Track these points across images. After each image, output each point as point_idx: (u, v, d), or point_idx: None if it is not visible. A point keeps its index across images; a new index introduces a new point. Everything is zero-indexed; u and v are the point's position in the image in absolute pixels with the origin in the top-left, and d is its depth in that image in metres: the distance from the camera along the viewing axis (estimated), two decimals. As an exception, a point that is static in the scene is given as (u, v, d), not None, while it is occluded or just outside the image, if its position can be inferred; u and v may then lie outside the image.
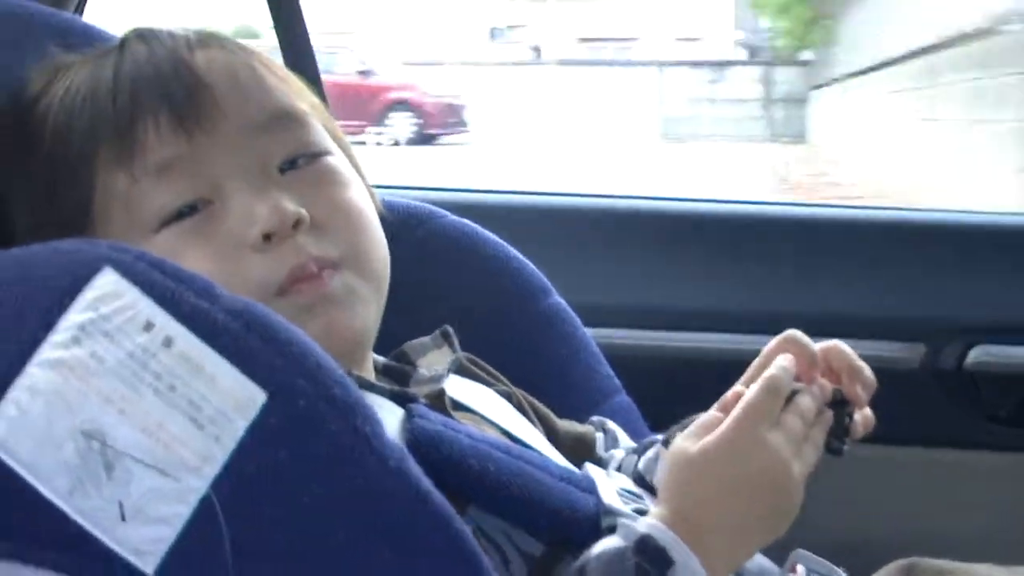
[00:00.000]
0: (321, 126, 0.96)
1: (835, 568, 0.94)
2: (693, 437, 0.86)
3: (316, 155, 0.93)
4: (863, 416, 0.93)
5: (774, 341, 0.95)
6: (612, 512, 0.88)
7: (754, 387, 0.86)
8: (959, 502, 1.50)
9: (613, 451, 1.10)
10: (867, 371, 0.95)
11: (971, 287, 1.53)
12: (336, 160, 0.95)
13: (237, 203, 0.87)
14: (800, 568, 0.92)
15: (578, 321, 1.24)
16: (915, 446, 1.51)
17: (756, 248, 1.59)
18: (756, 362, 0.95)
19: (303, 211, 0.88)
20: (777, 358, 0.90)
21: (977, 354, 1.49)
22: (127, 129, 0.87)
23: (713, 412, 0.89)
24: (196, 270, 0.82)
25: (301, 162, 0.92)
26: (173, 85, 0.88)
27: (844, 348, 0.95)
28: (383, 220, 0.98)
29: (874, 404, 0.94)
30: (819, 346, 0.94)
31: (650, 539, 0.81)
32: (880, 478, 1.44)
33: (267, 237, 0.86)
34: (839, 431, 0.91)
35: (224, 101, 0.89)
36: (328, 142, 0.95)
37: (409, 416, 0.87)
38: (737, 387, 0.92)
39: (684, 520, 0.83)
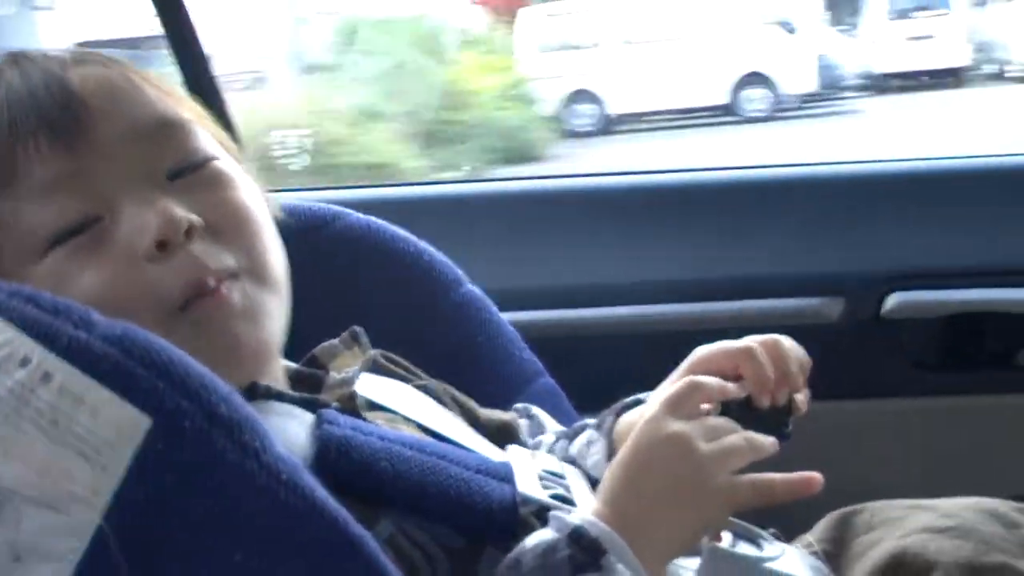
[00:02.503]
0: (207, 133, 0.95)
1: (761, 531, 0.94)
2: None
3: (203, 161, 0.91)
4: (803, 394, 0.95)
5: (724, 349, 0.95)
6: (529, 501, 0.88)
7: (682, 380, 0.88)
8: (890, 450, 1.52)
9: (540, 437, 1.10)
10: (803, 355, 0.96)
11: (883, 236, 1.54)
12: (224, 164, 0.93)
13: (127, 214, 0.86)
14: (725, 535, 0.92)
15: (494, 307, 1.24)
16: (843, 399, 1.52)
17: (671, 217, 1.60)
18: (696, 363, 0.96)
19: (194, 216, 0.86)
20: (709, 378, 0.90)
21: (894, 301, 1.50)
22: (6, 155, 0.86)
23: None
24: (89, 290, 0.82)
25: (189, 169, 0.90)
26: (47, 104, 0.87)
27: (782, 343, 0.95)
28: (287, 225, 0.97)
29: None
30: (757, 340, 0.95)
31: (582, 530, 0.82)
32: (810, 433, 1.45)
33: (161, 246, 0.85)
34: (784, 418, 0.93)
35: (102, 114, 0.88)
36: (214, 148, 0.94)
37: (318, 423, 0.86)
38: None
39: (615, 512, 0.83)
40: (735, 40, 8.67)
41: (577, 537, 0.81)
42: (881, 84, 9.52)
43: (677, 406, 0.86)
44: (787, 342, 0.96)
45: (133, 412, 0.69)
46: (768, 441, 0.87)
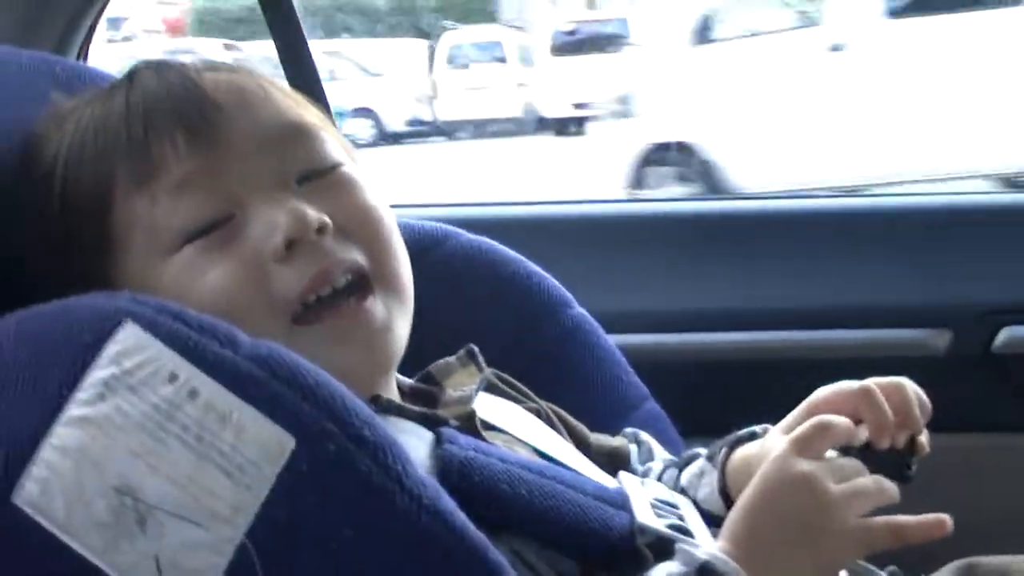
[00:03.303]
0: (332, 138, 0.96)
1: (877, 571, 0.93)
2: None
3: (332, 166, 0.93)
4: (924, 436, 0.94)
5: (847, 389, 0.94)
6: (646, 530, 0.88)
7: (810, 421, 0.87)
8: (1003, 486, 1.49)
9: (650, 464, 1.09)
10: (924, 400, 0.95)
11: (993, 269, 1.52)
12: (351, 169, 0.94)
13: (258, 213, 0.87)
14: (842, 573, 0.91)
15: (601, 330, 1.24)
16: (951, 432, 1.49)
17: (781, 242, 1.58)
18: (820, 402, 0.95)
19: (325, 217, 0.87)
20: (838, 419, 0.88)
21: (1004, 336, 1.47)
22: (143, 151, 0.88)
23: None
24: (216, 286, 0.84)
25: (317, 174, 0.91)
26: (185, 106, 0.89)
27: (905, 387, 0.94)
28: None
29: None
30: (878, 383, 0.93)
31: (711, 568, 0.81)
32: (922, 469, 1.43)
33: (290, 246, 0.86)
34: (907, 459, 0.92)
35: (236, 118, 0.90)
36: (341, 154, 0.95)
37: (439, 442, 0.86)
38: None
39: (741, 550, 0.83)
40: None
41: (705, 573, 0.81)
42: (440, 130, 10.77)
43: (805, 445, 0.86)
44: (909, 385, 0.94)
45: (278, 432, 0.70)
46: (893, 485, 0.86)
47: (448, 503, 0.72)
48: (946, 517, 0.85)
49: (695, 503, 0.99)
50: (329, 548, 0.69)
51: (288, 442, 0.69)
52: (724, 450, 1.01)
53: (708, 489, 1.01)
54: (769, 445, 0.95)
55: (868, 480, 0.86)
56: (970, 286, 1.51)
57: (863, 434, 0.90)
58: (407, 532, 0.70)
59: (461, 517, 0.72)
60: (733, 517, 0.86)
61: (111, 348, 0.71)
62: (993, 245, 1.54)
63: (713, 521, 0.94)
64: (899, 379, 0.95)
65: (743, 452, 1.00)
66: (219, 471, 0.69)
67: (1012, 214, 1.59)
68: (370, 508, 0.70)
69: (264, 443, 0.69)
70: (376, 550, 0.69)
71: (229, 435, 0.69)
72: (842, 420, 0.88)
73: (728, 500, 0.97)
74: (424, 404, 0.95)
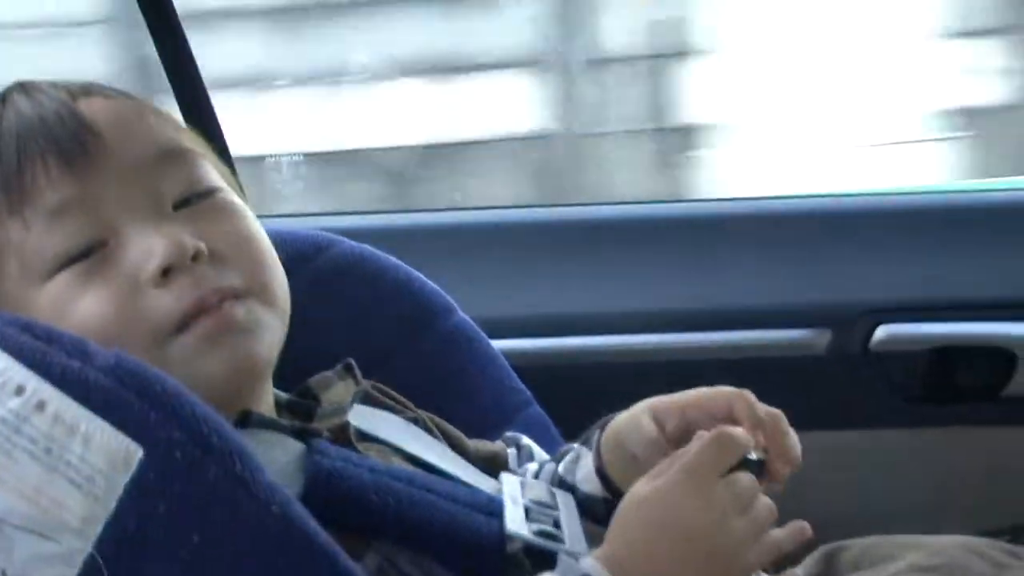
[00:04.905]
0: (210, 164, 0.96)
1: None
2: (648, 479, 0.85)
3: (208, 191, 0.93)
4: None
5: (725, 390, 0.94)
6: (515, 537, 0.88)
7: (705, 439, 0.85)
8: (879, 482, 1.52)
9: (528, 464, 1.11)
10: (796, 448, 0.93)
11: (870, 268, 1.55)
12: (228, 195, 0.95)
13: (133, 239, 0.87)
14: None
15: (484, 336, 1.24)
16: (829, 430, 1.52)
17: (660, 246, 1.60)
18: (694, 398, 0.95)
19: (201, 243, 0.87)
20: (737, 430, 0.87)
21: (882, 334, 1.51)
22: (16, 176, 0.87)
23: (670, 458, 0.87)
24: (90, 313, 0.83)
25: (194, 199, 0.91)
26: (58, 130, 0.88)
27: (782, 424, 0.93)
28: (281, 252, 0.98)
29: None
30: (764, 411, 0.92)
31: None
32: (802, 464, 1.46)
33: (166, 272, 0.85)
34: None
35: (110, 141, 0.89)
36: (218, 179, 0.95)
37: (309, 453, 0.87)
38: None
39: (619, 562, 0.82)
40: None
41: None
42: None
43: (709, 470, 0.84)
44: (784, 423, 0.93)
45: (126, 442, 0.70)
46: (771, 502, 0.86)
47: (298, 509, 0.73)
48: (804, 524, 0.86)
49: (574, 489, 1.00)
50: (178, 556, 0.69)
51: (136, 451, 0.70)
52: (597, 432, 1.03)
53: (585, 471, 1.01)
54: (637, 416, 0.95)
55: (765, 507, 0.85)
56: (849, 285, 1.54)
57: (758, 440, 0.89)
58: (256, 539, 0.70)
59: (313, 524, 0.73)
60: (619, 522, 0.84)
61: (-43, 362, 0.71)
62: (871, 244, 1.57)
63: (592, 506, 0.96)
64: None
65: (613, 426, 1.00)
66: (68, 483, 0.69)
67: (890, 212, 1.63)
68: (218, 515, 0.70)
69: (112, 453, 0.69)
70: (225, 557, 0.70)
71: (77, 446, 0.69)
72: (740, 433, 0.87)
73: (604, 478, 0.98)
74: (301, 418, 0.95)
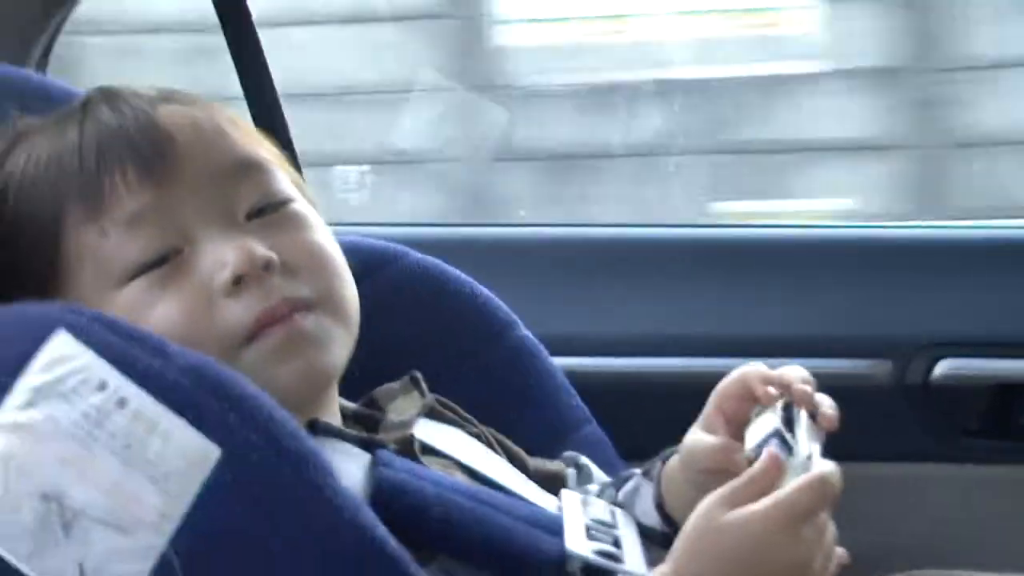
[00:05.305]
0: (284, 174, 0.97)
1: None
2: (725, 503, 0.83)
3: (282, 202, 0.94)
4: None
5: (734, 375, 0.95)
6: (575, 557, 0.88)
7: (806, 478, 0.82)
8: (934, 516, 1.51)
9: (588, 486, 1.11)
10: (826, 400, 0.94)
11: (934, 302, 1.53)
12: (301, 206, 0.96)
13: (206, 249, 0.88)
14: None
15: (545, 353, 1.25)
16: (886, 461, 1.51)
17: (716, 271, 1.60)
18: (718, 397, 0.96)
19: (273, 254, 0.89)
20: (825, 464, 0.84)
21: (943, 368, 1.50)
22: (95, 184, 0.88)
23: (747, 477, 0.84)
24: (163, 321, 0.84)
25: (268, 209, 0.93)
26: (138, 138, 0.90)
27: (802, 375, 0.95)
28: (349, 262, 1.00)
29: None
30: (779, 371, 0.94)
31: None
32: (854, 496, 1.44)
33: (237, 281, 0.87)
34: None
35: (189, 151, 0.91)
36: (292, 189, 0.97)
37: (374, 464, 0.88)
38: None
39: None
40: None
41: None
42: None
43: (807, 510, 0.82)
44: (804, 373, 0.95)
45: (204, 442, 0.71)
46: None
47: (368, 516, 0.74)
48: (842, 550, 0.86)
49: (635, 520, 1.01)
50: (252, 558, 0.70)
51: (213, 452, 0.71)
52: (658, 464, 1.03)
53: (645, 504, 1.02)
54: (693, 437, 0.96)
55: (832, 535, 0.85)
56: (912, 317, 1.53)
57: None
58: (326, 543, 0.71)
59: (382, 530, 0.74)
60: (688, 548, 0.83)
61: (43, 356, 0.73)
62: (936, 277, 1.56)
63: (650, 536, 0.96)
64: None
65: (672, 460, 1.00)
66: (145, 479, 0.70)
67: (956, 247, 1.61)
68: (292, 519, 0.71)
69: (189, 452, 0.71)
70: (295, 560, 0.71)
71: (156, 443, 0.71)
72: (838, 477, 0.84)
73: (663, 513, 0.98)
74: (366, 428, 0.97)
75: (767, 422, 0.92)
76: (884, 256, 1.60)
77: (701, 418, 0.98)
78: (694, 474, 0.95)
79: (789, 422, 0.90)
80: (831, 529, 0.84)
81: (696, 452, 0.95)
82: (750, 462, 0.89)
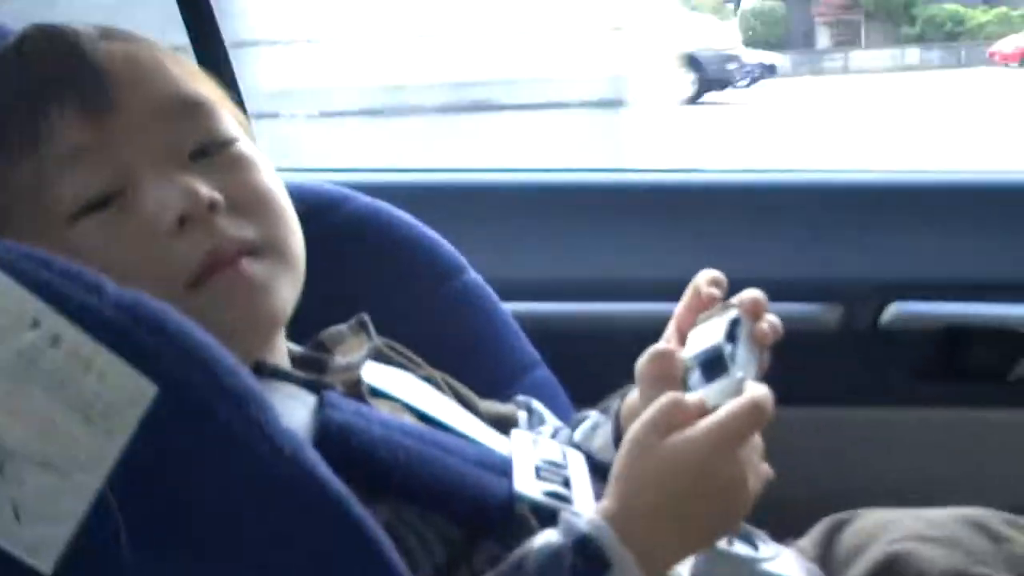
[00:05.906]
0: (228, 114, 0.95)
1: (757, 531, 0.95)
2: (659, 430, 0.82)
3: (226, 142, 0.92)
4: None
5: (699, 279, 0.99)
6: (523, 498, 0.88)
7: (740, 402, 0.83)
8: (884, 457, 1.53)
9: (540, 428, 1.11)
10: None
11: (883, 246, 1.54)
12: (246, 147, 0.94)
13: (150, 189, 0.86)
14: None
15: (495, 296, 1.25)
16: (837, 405, 1.53)
17: (674, 216, 1.60)
18: (685, 303, 1.00)
19: (217, 194, 0.87)
20: (757, 387, 0.85)
21: (893, 311, 1.51)
22: (32, 118, 0.86)
23: (673, 400, 0.84)
24: (108, 263, 0.82)
25: (212, 149, 0.91)
26: (76, 75, 0.88)
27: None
28: (297, 206, 0.98)
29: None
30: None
31: (590, 540, 0.79)
32: (804, 438, 1.46)
33: (182, 222, 0.85)
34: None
35: (128, 88, 0.89)
36: (236, 129, 0.95)
37: (321, 406, 0.87)
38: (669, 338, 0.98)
39: (631, 518, 0.81)
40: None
41: (582, 547, 0.79)
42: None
43: (745, 433, 0.83)
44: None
45: (140, 379, 0.70)
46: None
47: (310, 455, 0.73)
48: (768, 467, 0.86)
49: (589, 456, 1.00)
50: (190, 494, 0.69)
51: (149, 389, 0.70)
52: (617, 401, 1.03)
53: (602, 440, 1.02)
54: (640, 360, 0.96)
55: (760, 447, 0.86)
56: (862, 261, 1.54)
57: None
58: (266, 481, 0.70)
59: (324, 470, 0.73)
60: (624, 474, 0.83)
61: (-27, 294, 0.71)
62: (886, 222, 1.57)
63: (606, 469, 0.95)
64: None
65: (631, 397, 1.01)
66: (81, 418, 0.69)
67: (905, 191, 1.62)
68: (230, 456, 0.70)
69: (126, 390, 0.69)
70: (235, 498, 0.70)
71: (91, 382, 0.69)
72: (770, 400, 0.84)
73: None
74: (313, 371, 0.95)
75: (711, 332, 0.92)
76: (834, 200, 1.60)
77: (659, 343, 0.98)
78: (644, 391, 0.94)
79: (732, 338, 0.91)
80: (760, 447, 0.85)
81: (640, 364, 0.95)
82: (687, 370, 0.90)
